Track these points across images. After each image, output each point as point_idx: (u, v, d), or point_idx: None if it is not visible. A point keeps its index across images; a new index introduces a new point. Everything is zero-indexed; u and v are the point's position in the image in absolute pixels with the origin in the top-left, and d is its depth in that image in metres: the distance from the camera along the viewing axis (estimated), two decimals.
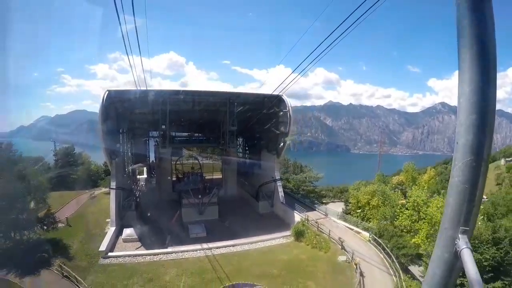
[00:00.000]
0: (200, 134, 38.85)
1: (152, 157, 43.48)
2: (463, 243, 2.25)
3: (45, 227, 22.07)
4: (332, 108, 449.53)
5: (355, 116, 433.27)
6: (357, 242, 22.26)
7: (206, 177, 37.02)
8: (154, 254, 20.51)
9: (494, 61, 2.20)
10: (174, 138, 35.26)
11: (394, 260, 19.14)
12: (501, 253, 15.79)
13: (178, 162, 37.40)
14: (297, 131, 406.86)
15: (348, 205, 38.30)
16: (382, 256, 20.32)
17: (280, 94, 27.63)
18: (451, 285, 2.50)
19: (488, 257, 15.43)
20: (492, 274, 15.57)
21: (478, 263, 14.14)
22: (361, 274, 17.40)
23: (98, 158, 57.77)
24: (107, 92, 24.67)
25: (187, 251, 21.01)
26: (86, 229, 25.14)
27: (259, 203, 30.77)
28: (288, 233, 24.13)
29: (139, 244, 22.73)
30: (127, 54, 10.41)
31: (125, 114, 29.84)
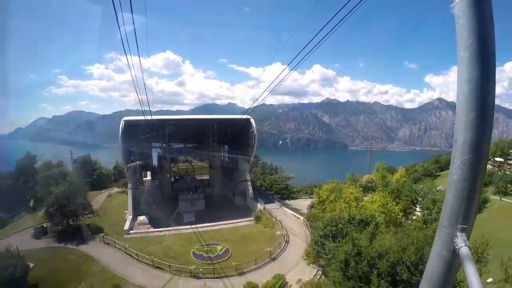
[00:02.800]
0: (192, 145, 50.47)
1: (154, 161, 55.01)
2: (461, 241, 2.30)
3: (86, 216, 33.63)
4: (330, 105, 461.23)
5: (352, 113, 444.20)
6: (294, 223, 34.05)
7: (197, 178, 48.68)
8: (160, 231, 32.21)
9: (493, 59, 2.22)
10: (172, 147, 46.80)
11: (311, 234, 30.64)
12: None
13: (175, 166, 49.00)
14: (295, 128, 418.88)
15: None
16: (308, 233, 31.82)
17: (248, 117, 39.21)
18: (449, 283, 2.54)
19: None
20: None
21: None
22: (287, 241, 29.11)
23: (97, 157, 67.34)
24: (123, 121, 36.26)
25: (181, 229, 32.71)
26: (111, 217, 36.82)
27: (236, 198, 42.50)
28: (251, 218, 35.78)
29: (149, 226, 34.38)
30: (126, 54, 10.38)
31: (135, 133, 41.32)
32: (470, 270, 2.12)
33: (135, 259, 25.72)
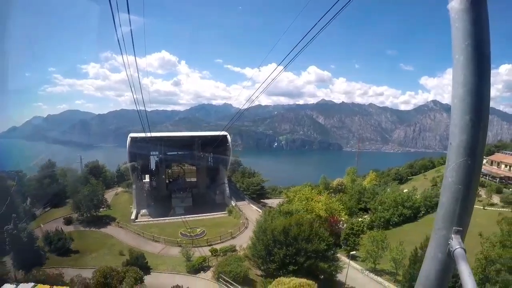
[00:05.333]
0: (183, 153, 63.98)
1: (152, 165, 68.33)
2: (456, 243, 2.36)
3: (103, 208, 46.91)
4: (325, 107, 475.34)
5: (347, 114, 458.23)
6: (255, 215, 47.59)
7: (187, 180, 62.21)
8: (158, 220, 45.67)
9: (488, 62, 2.31)
10: (167, 155, 60.22)
11: None
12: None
13: (169, 169, 62.55)
14: (290, 129, 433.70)
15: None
16: None
17: (225, 133, 52.68)
18: (444, 285, 2.61)
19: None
20: None
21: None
22: (246, 227, 42.73)
23: (93, 157, 78.83)
24: (130, 137, 49.65)
25: (173, 219, 46.21)
26: (120, 210, 50.15)
27: (216, 196, 56.12)
28: (225, 211, 49.32)
29: (149, 217, 47.77)
30: (122, 54, 10.56)
31: (139, 145, 54.70)
32: (465, 272, 2.15)
33: (141, 236, 39.27)
